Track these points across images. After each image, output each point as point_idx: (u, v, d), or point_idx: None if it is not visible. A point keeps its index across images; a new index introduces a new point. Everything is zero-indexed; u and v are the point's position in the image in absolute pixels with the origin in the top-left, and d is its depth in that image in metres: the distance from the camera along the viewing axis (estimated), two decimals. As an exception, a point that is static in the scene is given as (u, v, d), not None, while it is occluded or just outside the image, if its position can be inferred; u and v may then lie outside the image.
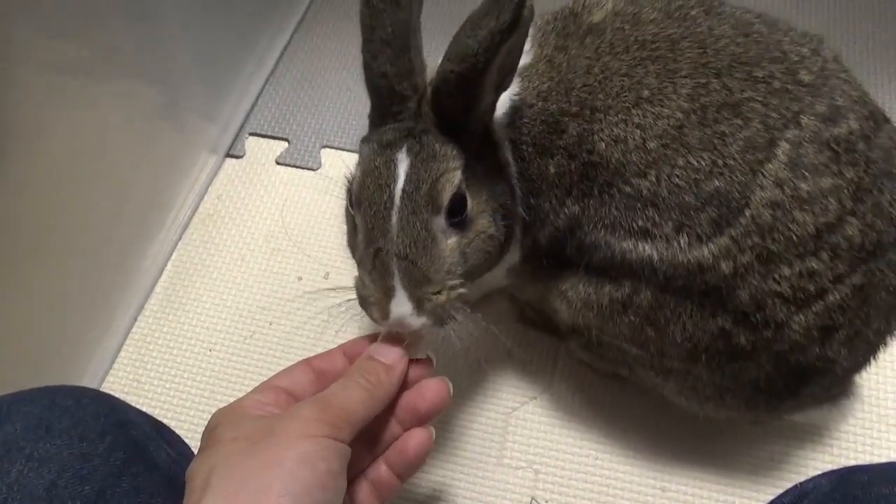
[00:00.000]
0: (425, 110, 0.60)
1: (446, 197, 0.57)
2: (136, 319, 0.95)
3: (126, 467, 0.54)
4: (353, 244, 0.63)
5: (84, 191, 0.86)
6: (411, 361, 0.59)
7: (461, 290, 0.59)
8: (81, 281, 0.88)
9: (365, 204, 0.58)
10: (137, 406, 0.65)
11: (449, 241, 0.58)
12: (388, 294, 0.56)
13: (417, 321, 0.56)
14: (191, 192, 1.05)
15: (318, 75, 1.19)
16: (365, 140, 0.62)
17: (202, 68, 1.06)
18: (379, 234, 0.57)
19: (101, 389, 0.90)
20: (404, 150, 0.58)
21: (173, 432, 0.67)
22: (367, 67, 0.60)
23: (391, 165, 0.57)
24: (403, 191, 0.56)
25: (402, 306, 0.56)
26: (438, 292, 0.57)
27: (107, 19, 0.85)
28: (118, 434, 0.55)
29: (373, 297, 0.57)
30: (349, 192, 0.61)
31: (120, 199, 0.93)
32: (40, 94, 0.76)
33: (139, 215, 0.97)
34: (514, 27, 0.52)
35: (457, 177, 0.58)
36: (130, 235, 0.96)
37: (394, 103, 0.60)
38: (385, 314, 0.57)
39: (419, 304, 0.56)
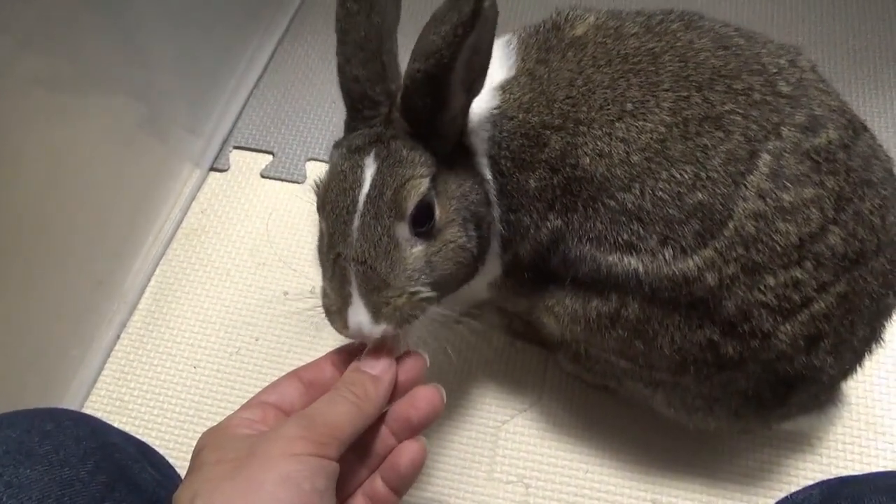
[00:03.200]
0: (395, 116, 0.59)
1: (411, 203, 0.56)
2: (119, 336, 0.94)
3: (109, 492, 0.53)
4: (320, 250, 0.62)
5: (65, 206, 0.85)
6: (402, 358, 0.57)
7: (425, 295, 0.57)
8: (63, 297, 0.87)
9: (328, 208, 0.58)
10: (121, 426, 0.65)
11: (414, 250, 0.57)
12: (346, 302, 0.55)
13: (376, 329, 0.55)
14: (174, 207, 1.04)
15: (303, 87, 1.18)
16: (336, 145, 0.62)
17: (185, 81, 1.05)
18: (339, 239, 0.56)
19: (83, 408, 0.89)
20: (372, 155, 0.57)
21: (158, 453, 0.66)
22: (341, 70, 0.60)
23: (357, 170, 0.57)
24: (367, 196, 0.56)
25: (358, 315, 0.55)
26: (399, 296, 0.56)
27: (87, 33, 0.84)
28: (100, 457, 0.54)
29: (333, 305, 0.57)
30: (316, 196, 0.61)
31: (102, 214, 0.92)
32: (20, 108, 0.76)
33: (122, 230, 0.97)
34: (475, 19, 0.51)
35: (423, 184, 0.57)
36: (113, 251, 0.95)
37: (366, 108, 0.60)
38: (345, 323, 0.56)
39: (376, 312, 0.55)
